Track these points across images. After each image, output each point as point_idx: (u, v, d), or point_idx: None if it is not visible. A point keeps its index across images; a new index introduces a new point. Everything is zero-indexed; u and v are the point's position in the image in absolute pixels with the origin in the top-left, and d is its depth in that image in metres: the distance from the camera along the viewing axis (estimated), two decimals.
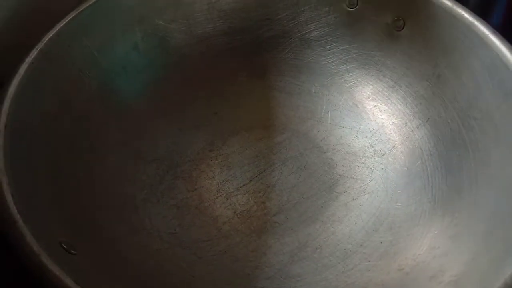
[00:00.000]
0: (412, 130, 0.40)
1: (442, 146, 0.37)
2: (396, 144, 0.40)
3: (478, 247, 0.31)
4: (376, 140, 0.41)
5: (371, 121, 0.42)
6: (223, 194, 0.39)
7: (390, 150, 0.40)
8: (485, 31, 0.34)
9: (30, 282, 0.26)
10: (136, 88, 0.40)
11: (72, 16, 0.35)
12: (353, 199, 0.39)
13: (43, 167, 0.31)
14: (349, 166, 0.40)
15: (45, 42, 0.34)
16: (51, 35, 0.34)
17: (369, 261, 0.35)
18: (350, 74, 0.43)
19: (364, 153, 0.41)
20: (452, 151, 0.36)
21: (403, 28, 0.39)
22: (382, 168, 0.40)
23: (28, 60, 0.33)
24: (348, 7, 0.41)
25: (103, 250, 0.32)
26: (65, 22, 0.35)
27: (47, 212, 0.29)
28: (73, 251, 0.28)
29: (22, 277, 0.27)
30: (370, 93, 0.42)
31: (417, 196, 0.37)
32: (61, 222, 0.30)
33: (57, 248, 0.27)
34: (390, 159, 0.40)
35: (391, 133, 0.41)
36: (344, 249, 0.36)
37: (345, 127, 0.42)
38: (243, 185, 0.39)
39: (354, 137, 0.42)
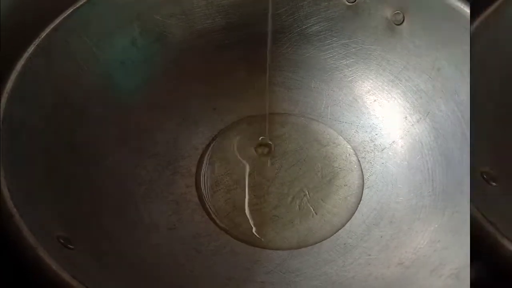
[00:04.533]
0: (412, 124, 0.40)
1: (442, 139, 0.37)
2: (396, 138, 0.40)
3: None
4: (376, 134, 0.41)
5: (371, 115, 0.42)
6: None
7: (390, 144, 0.40)
8: None
9: (27, 277, 0.26)
10: (135, 83, 0.40)
11: (70, 11, 0.35)
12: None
13: (41, 162, 0.31)
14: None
15: (42, 37, 0.34)
16: (48, 30, 0.34)
17: (369, 255, 0.35)
18: (350, 69, 0.43)
19: (364, 148, 0.41)
20: (452, 144, 0.36)
21: (402, 22, 0.39)
22: (383, 163, 0.40)
23: (26, 55, 0.33)
24: (348, 1, 0.41)
25: (101, 245, 0.32)
26: (63, 17, 0.35)
27: (44, 207, 0.29)
28: (70, 246, 0.28)
29: (19, 272, 0.26)
30: (370, 88, 0.42)
31: (418, 190, 0.37)
32: (58, 217, 0.30)
33: (55, 243, 0.27)
34: (390, 153, 0.40)
35: (391, 127, 0.41)
36: (344, 244, 0.36)
37: (345, 122, 0.42)
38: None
39: (354, 132, 0.42)
